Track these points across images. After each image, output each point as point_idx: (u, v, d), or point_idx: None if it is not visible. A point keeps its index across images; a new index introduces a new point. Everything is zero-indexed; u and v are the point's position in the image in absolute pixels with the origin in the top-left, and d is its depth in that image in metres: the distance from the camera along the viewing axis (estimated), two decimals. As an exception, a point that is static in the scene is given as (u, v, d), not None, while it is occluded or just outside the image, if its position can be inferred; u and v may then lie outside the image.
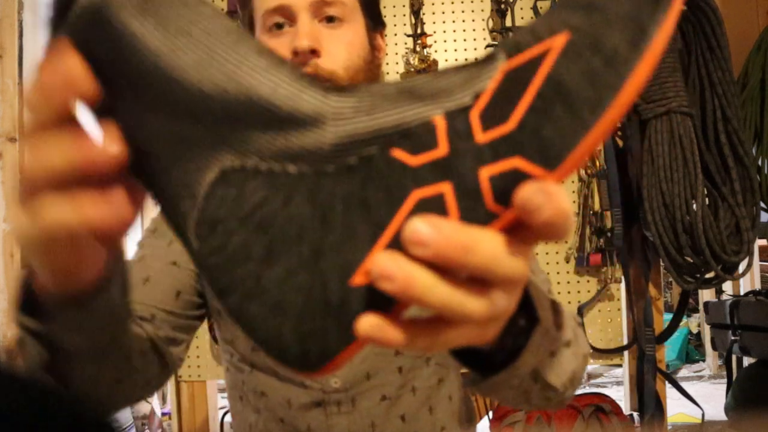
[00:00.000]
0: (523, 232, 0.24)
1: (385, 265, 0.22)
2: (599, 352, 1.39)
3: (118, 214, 0.28)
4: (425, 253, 0.22)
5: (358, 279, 0.24)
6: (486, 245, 0.23)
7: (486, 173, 0.23)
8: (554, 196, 0.22)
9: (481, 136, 0.23)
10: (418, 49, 1.34)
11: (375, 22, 0.73)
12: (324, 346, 0.25)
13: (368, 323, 0.24)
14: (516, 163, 0.23)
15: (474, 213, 0.23)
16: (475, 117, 0.24)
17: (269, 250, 0.25)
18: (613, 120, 0.22)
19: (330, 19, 0.66)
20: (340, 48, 0.66)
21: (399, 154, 0.24)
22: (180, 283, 0.68)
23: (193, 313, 0.70)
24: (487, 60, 0.25)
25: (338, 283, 0.24)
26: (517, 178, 0.23)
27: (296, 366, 0.25)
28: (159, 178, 0.27)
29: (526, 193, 0.22)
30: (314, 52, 0.64)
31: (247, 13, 0.72)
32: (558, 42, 0.23)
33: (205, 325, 1.38)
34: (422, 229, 0.22)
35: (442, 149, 0.24)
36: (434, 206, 0.24)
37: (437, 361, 0.71)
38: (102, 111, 0.27)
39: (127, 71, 0.26)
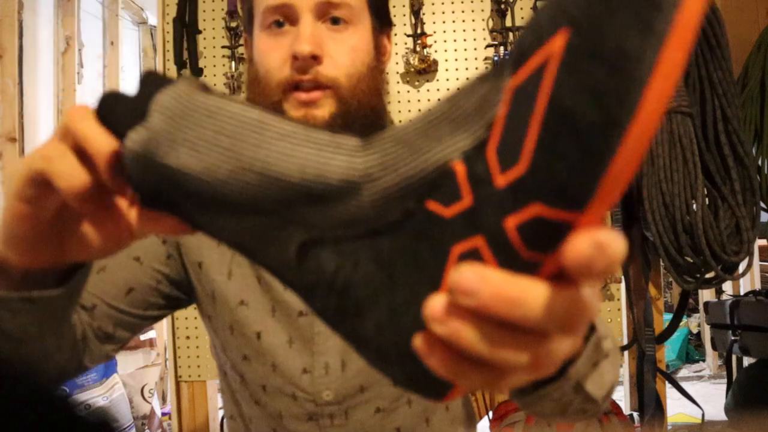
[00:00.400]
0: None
1: (434, 309, 0.22)
2: (599, 352, 1.38)
3: (88, 210, 0.32)
4: (471, 303, 0.21)
5: None
6: (535, 297, 0.20)
7: (512, 223, 0.21)
8: (606, 246, 0.18)
9: (500, 179, 0.21)
10: (418, 49, 1.34)
11: (382, 22, 0.69)
12: (432, 386, 0.26)
13: (417, 343, 0.24)
14: (537, 210, 0.20)
15: (513, 265, 0.21)
16: (492, 154, 0.22)
17: (358, 310, 0.26)
18: (641, 141, 0.18)
19: (335, 21, 0.63)
20: (343, 54, 0.62)
21: (434, 206, 0.24)
22: (136, 279, 0.65)
23: (143, 313, 0.66)
24: (497, 73, 0.22)
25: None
26: (544, 225, 0.20)
27: (423, 397, 0.27)
28: (258, 259, 0.29)
29: (574, 253, 0.19)
30: (315, 58, 0.60)
31: (246, 6, 0.68)
32: (557, 45, 0.19)
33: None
34: (469, 277, 0.21)
35: (467, 199, 0.23)
36: (474, 261, 0.22)
37: None
38: (185, 221, 0.31)
39: (185, 196, 0.28)
